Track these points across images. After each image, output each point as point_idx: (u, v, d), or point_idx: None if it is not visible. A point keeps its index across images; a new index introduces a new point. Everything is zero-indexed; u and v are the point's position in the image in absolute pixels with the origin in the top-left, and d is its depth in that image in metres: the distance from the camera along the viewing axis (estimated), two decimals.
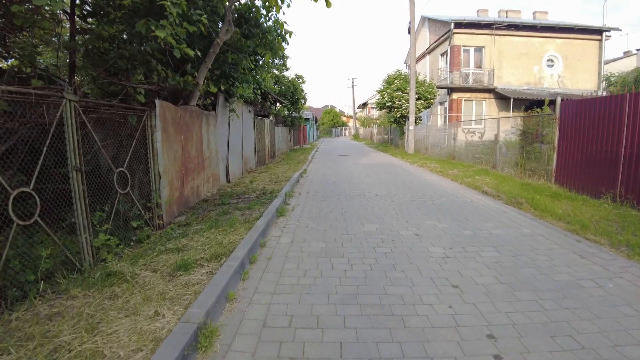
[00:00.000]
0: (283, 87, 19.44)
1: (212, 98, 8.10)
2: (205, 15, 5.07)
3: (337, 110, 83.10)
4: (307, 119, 37.76)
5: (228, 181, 9.37)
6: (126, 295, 3.27)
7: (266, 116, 15.11)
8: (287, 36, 8.31)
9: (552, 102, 20.49)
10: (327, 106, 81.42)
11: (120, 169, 4.78)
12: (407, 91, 21.84)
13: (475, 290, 3.48)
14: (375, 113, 63.44)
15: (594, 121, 7.33)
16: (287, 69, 20.14)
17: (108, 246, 4.34)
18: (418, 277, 3.74)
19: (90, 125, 4.35)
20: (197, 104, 7.33)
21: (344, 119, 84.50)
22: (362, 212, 6.46)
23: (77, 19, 5.60)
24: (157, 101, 5.46)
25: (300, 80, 20.83)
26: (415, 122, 21.13)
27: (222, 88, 8.40)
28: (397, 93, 21.76)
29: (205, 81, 7.22)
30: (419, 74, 24.44)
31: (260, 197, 7.26)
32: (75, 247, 4.03)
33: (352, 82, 61.07)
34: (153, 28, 3.86)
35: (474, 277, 3.76)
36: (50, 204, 4.02)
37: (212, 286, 3.18)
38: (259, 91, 11.31)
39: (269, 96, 12.99)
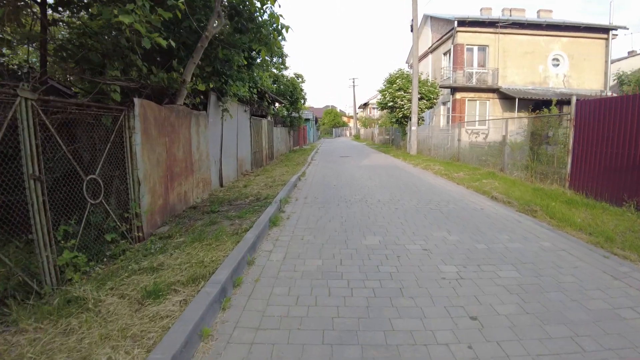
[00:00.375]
0: (282, 87, 18.90)
1: (202, 97, 7.56)
2: (182, 0, 4.52)
3: (338, 110, 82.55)
4: (307, 119, 37.22)
5: (221, 185, 8.84)
6: (83, 329, 2.74)
7: (264, 116, 14.57)
8: (283, 31, 7.77)
9: (560, 102, 19.99)
10: (328, 106, 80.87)
11: (92, 176, 4.24)
12: (410, 91, 21.30)
13: (497, 323, 2.93)
14: (376, 113, 62.89)
15: (615, 122, 6.77)
16: (286, 68, 19.62)
17: (75, 264, 3.81)
18: (429, 305, 3.19)
19: (55, 127, 3.82)
20: (184, 103, 6.79)
21: (345, 119, 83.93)
22: (364, 222, 5.92)
23: (48, 9, 5.07)
24: (136, 100, 4.93)
25: (300, 79, 20.30)
26: (418, 123, 20.60)
27: (214, 86, 7.87)
28: (399, 93, 21.20)
29: (194, 78, 6.69)
30: (421, 74, 23.89)
31: (254, 204, 6.72)
32: (36, 266, 3.51)
33: (353, 81, 60.56)
34: (116, 12, 3.31)
35: (495, 305, 3.21)
36: (5, 217, 3.49)
37: (183, 321, 2.64)
38: (255, 90, 10.77)
39: (267, 95, 12.45)
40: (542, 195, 7.76)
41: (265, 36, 7.23)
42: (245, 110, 11.11)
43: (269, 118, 15.45)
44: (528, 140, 11.26)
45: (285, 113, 21.33)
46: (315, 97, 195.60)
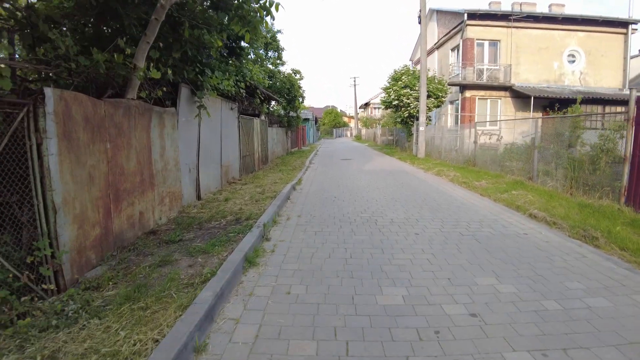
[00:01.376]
0: (278, 84, 17.34)
1: (166, 88, 6.00)
2: None
3: (339, 110, 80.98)
4: (306, 119, 35.67)
5: (198, 198, 7.28)
6: None
7: (256, 115, 13.01)
8: (272, 9, 6.21)
9: (587, 101, 18.37)
10: (328, 106, 79.26)
11: None
12: (416, 88, 19.73)
13: None
14: (377, 113, 61.33)
15: None
16: (282, 63, 18.03)
17: None
18: None
19: None
20: (141, 98, 5.24)
21: (346, 119, 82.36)
22: (376, 258, 4.34)
23: None
24: (48, 90, 3.38)
25: (298, 75, 18.72)
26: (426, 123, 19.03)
27: (187, 77, 6.32)
28: (405, 90, 19.63)
29: (154, 65, 5.13)
30: (429, 70, 22.27)
31: (230, 228, 5.16)
32: None
33: (354, 81, 59.05)
34: None
35: None
36: None
37: None
38: (243, 84, 9.21)
39: (258, 92, 10.88)
40: (594, 215, 6.20)
41: (247, 12, 5.67)
42: (231, 108, 9.54)
43: (263, 117, 13.89)
44: (565, 143, 9.72)
45: (282, 112, 19.78)
46: (315, 97, 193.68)
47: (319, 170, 13.56)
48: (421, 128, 16.90)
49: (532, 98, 19.82)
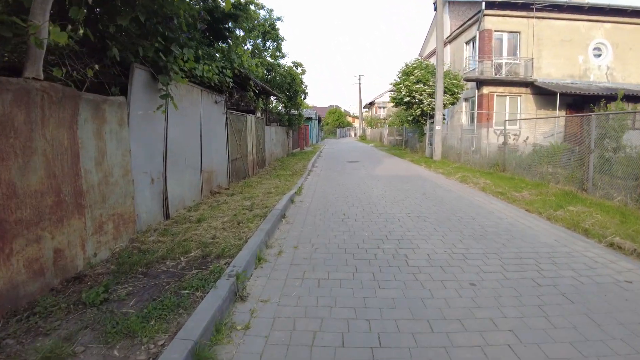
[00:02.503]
0: (277, 78, 15.60)
1: (115, 70, 4.28)
2: None
3: (342, 110, 79.17)
4: (309, 118, 33.94)
5: (166, 216, 5.56)
6: None
7: (250, 112, 11.30)
8: None
9: (612, 98, 16.60)
10: (332, 106, 77.50)
11: None
12: (430, 83, 17.92)
13: None
14: (382, 113, 59.47)
15: None
16: (282, 55, 16.28)
17: None
18: None
19: None
20: (64, 81, 3.52)
21: (349, 119, 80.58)
22: (424, 345, 2.57)
23: None
24: None
25: (299, 69, 16.95)
26: (433, 123, 17.25)
27: (144, 55, 4.60)
28: (417, 86, 17.82)
29: (81, 27, 3.40)
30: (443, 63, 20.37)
31: (189, 274, 3.43)
32: None
33: (359, 79, 57.25)
34: None
35: None
36: None
37: None
38: (230, 72, 7.47)
39: (251, 82, 9.12)
40: None
41: None
42: (216, 102, 7.82)
43: (259, 114, 12.17)
44: (618, 145, 7.97)
45: (283, 110, 18.05)
46: (318, 97, 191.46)
47: (322, 175, 11.81)
48: (437, 127, 15.11)
49: (558, 95, 17.95)
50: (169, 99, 5.04)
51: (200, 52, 6.06)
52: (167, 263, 3.71)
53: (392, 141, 29.82)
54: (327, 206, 7.01)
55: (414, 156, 18.83)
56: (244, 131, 10.03)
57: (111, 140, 4.20)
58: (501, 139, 20.32)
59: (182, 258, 3.80)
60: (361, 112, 57.63)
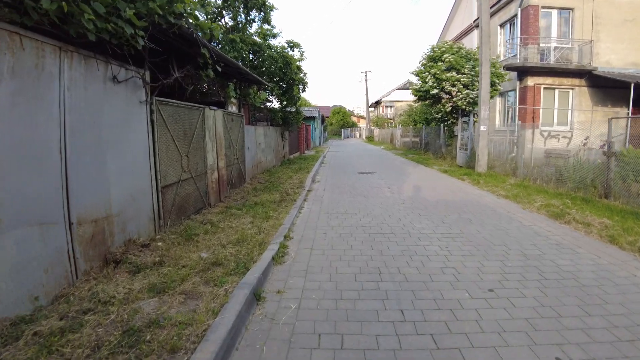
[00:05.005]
0: (266, 63, 11.67)
1: None
2: None
3: (347, 110, 75.27)
4: (311, 117, 30.03)
5: None
6: None
7: (218, 104, 7.41)
8: None
9: None
10: (335, 106, 73.60)
11: None
12: (465, 71, 13.92)
13: None
14: (389, 112, 55.38)
15: None
16: (272, 35, 12.32)
17: None
18: None
19: None
20: None
21: (354, 119, 76.69)
22: None
23: None
24: None
25: (296, 51, 12.83)
26: (469, 123, 13.33)
27: None
28: (449, 74, 13.83)
29: None
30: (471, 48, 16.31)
31: None
32: None
33: (366, 75, 53.05)
34: None
35: None
36: None
37: None
38: (145, 21, 3.57)
39: (204, 52, 5.14)
40: None
41: None
42: (115, 79, 3.91)
43: (233, 109, 8.27)
44: None
45: (277, 106, 14.13)
46: (321, 97, 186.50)
47: (327, 200, 7.85)
48: (482, 127, 11.12)
49: (632, 86, 13.87)
50: None
51: None
52: None
53: (406, 143, 25.78)
54: (341, 301, 3.12)
55: (441, 164, 14.84)
56: (198, 134, 6.11)
57: None
58: (550, 143, 16.36)
59: None
60: (368, 111, 53.63)
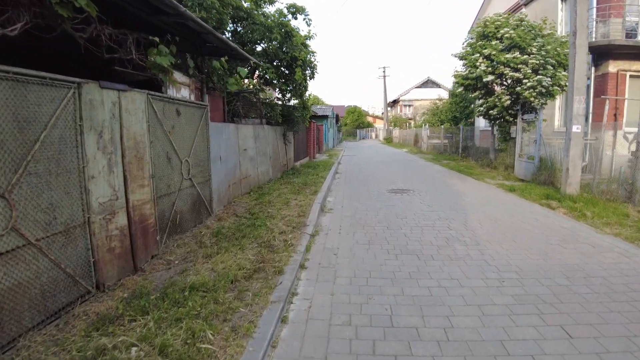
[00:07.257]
0: (256, 35, 8.16)
1: None
2: None
3: (362, 110, 71.43)
4: (324, 116, 26.47)
5: None
6: None
7: (156, 87, 3.96)
8: None
9: None
10: (350, 106, 69.89)
11: None
12: (533, 50, 10.13)
13: None
14: (408, 112, 51.30)
15: None
16: (269, 0, 8.83)
17: None
18: None
19: None
20: None
21: (369, 119, 72.79)
22: None
23: None
24: None
25: (300, 17, 9.06)
26: (538, 120, 9.36)
27: None
28: (508, 55, 10.08)
29: None
30: (540, 22, 12.20)
31: None
32: None
33: (384, 71, 49.14)
34: None
35: None
36: None
37: None
38: None
39: None
40: None
41: None
42: None
43: (185, 92, 4.82)
44: None
45: (276, 99, 10.67)
46: (335, 96, 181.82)
47: (344, 273, 4.28)
48: (576, 128, 7.37)
49: None
50: None
51: None
52: None
53: (436, 146, 21.93)
54: None
55: (494, 175, 11.07)
56: (51, 142, 2.65)
57: None
58: (632, 147, 12.40)
59: None
60: (386, 110, 49.74)
